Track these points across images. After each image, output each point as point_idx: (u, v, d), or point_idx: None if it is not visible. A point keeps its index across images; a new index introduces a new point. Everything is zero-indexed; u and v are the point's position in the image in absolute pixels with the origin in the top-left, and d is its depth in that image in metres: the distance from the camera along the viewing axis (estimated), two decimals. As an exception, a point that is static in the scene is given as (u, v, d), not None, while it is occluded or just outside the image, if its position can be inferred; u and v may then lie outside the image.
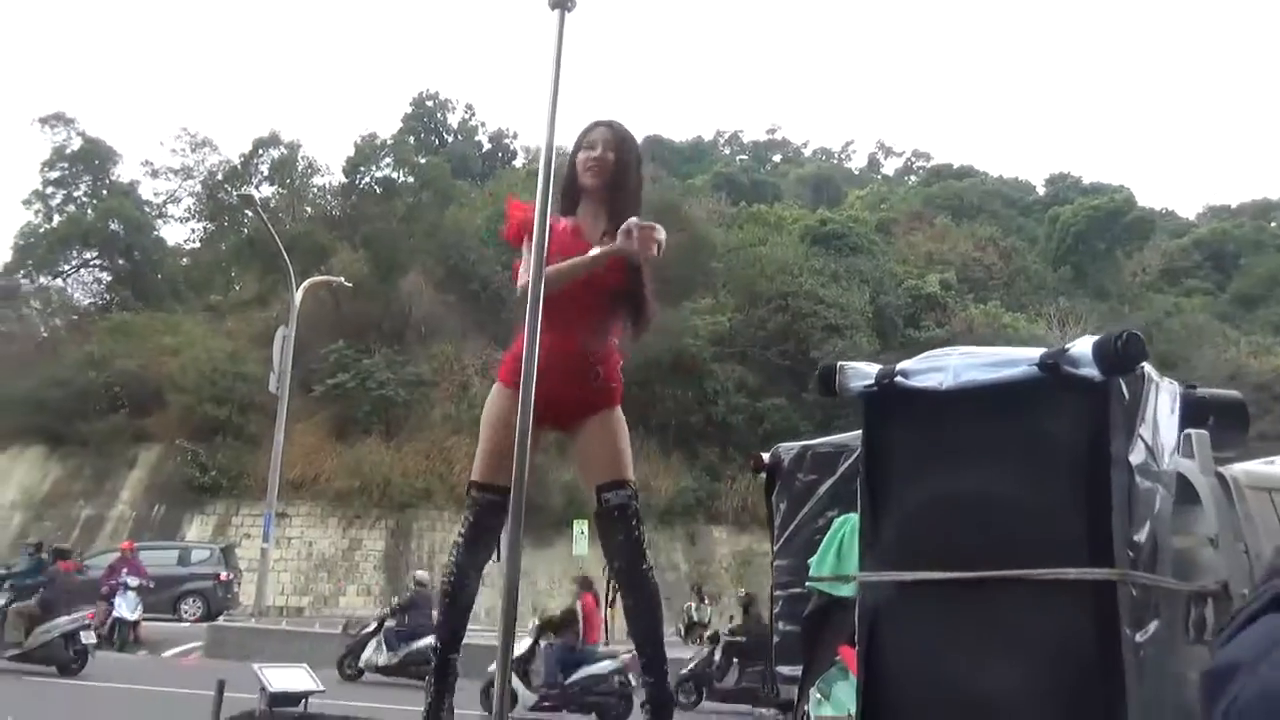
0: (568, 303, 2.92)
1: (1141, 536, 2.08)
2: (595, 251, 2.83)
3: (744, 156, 67.53)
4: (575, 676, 8.92)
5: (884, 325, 34.87)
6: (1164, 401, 2.29)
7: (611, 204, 3.08)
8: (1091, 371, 2.05)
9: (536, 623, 9.88)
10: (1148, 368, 2.17)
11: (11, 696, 9.02)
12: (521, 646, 9.13)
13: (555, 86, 3.45)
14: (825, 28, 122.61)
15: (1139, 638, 2.02)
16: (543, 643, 9.38)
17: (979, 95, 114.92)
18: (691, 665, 11.18)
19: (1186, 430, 2.50)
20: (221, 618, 18.15)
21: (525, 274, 2.84)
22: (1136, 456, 2.10)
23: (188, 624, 18.12)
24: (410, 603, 12.04)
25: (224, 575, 20.09)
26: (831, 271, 35.76)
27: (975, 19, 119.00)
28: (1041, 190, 60.62)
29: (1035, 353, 2.20)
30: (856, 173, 71.60)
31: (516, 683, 8.96)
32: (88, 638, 11.00)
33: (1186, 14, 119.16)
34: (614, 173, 3.07)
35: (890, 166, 75.31)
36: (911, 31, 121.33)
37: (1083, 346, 2.08)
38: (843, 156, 75.03)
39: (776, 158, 70.62)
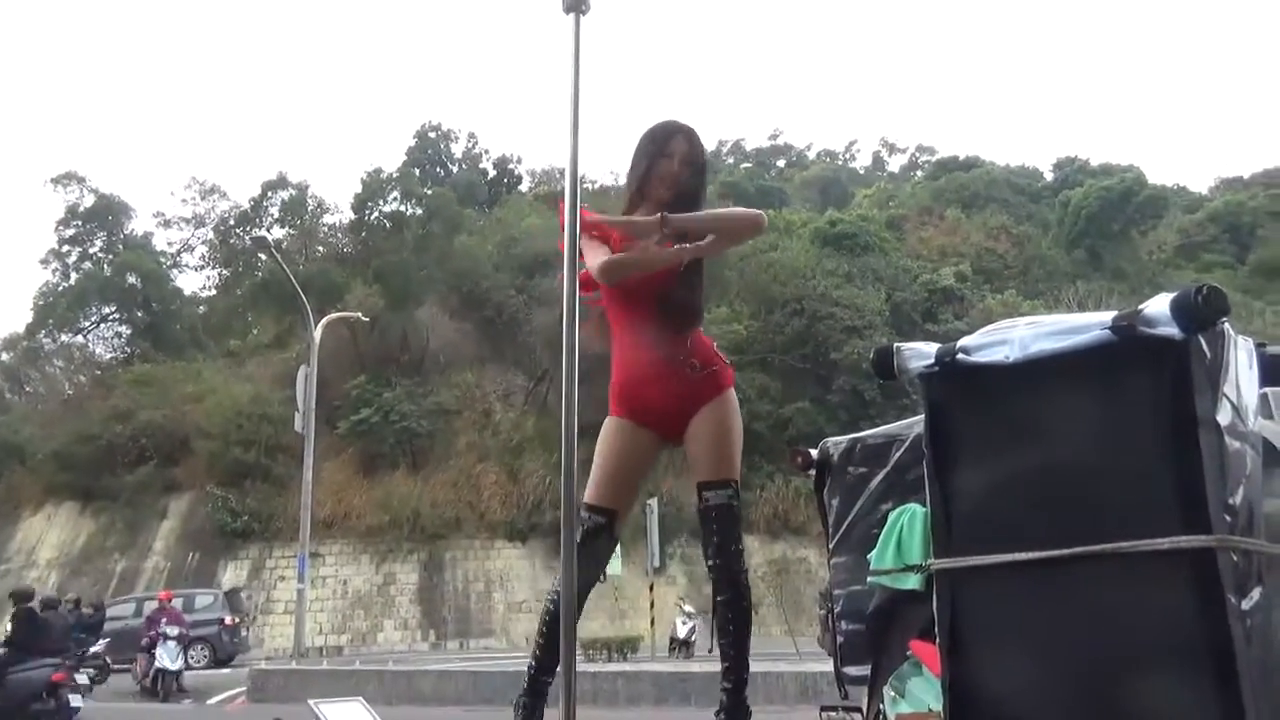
0: (634, 316, 2.90)
1: (1237, 500, 1.98)
2: (678, 248, 2.78)
3: (748, 164, 67.60)
4: None
5: (901, 322, 34.68)
6: (1242, 359, 2.19)
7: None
8: (1170, 330, 1.96)
9: None
10: (1226, 324, 2.08)
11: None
12: None
13: (575, 93, 3.40)
14: (821, 30, 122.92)
15: (1244, 605, 1.92)
16: None
17: (980, 86, 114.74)
18: None
19: (1263, 389, 2.40)
20: (263, 661, 18.08)
21: (598, 264, 2.84)
22: (1224, 416, 1.99)
23: (205, 670, 18.08)
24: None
25: (229, 620, 19.99)
26: (845, 272, 35.67)
27: (969, 8, 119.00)
28: (1050, 176, 60.32)
29: (1105, 316, 2.10)
30: (862, 172, 71.51)
31: None
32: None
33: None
34: (689, 191, 3.02)
35: (895, 163, 75.26)
36: (908, 26, 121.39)
37: (1159, 305, 1.98)
38: (847, 157, 75.03)
39: (780, 163, 70.66)
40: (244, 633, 20.92)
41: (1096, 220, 44.92)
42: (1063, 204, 47.92)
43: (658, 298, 2.91)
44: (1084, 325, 2.13)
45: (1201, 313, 1.93)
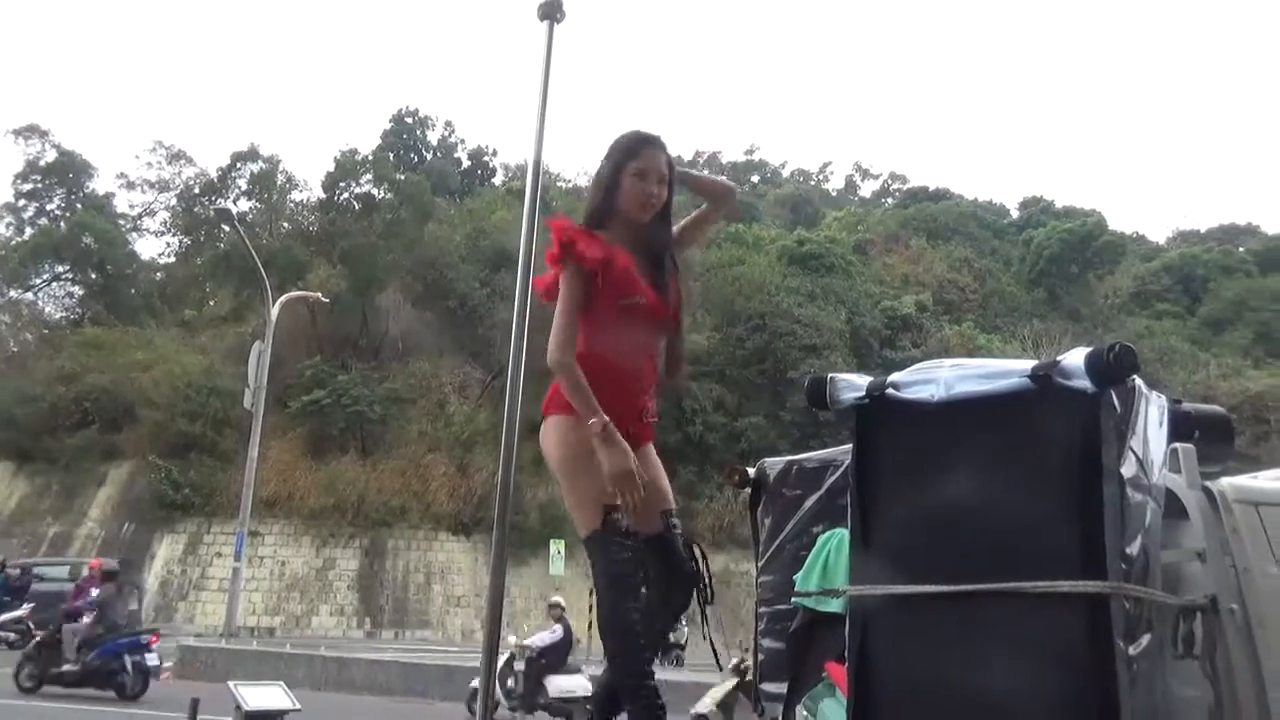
0: (637, 344, 2.76)
1: (1134, 549, 2.08)
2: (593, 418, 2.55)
3: (722, 177, 67.79)
4: None
5: (860, 345, 35.06)
6: (1153, 415, 2.30)
7: (650, 243, 2.83)
8: (1083, 383, 2.05)
9: None
10: (1138, 381, 2.18)
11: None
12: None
13: (544, 98, 3.45)
14: (804, 50, 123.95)
15: (1132, 651, 2.01)
16: None
17: (955, 119, 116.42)
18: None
19: (1173, 445, 2.51)
20: (191, 638, 17.78)
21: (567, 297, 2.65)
22: (1128, 469, 2.09)
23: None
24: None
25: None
26: (808, 291, 35.99)
27: (952, 45, 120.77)
28: (1015, 213, 61.32)
29: (1027, 364, 2.19)
30: (834, 194, 72.16)
31: None
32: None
33: (1156, 42, 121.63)
34: (664, 212, 2.86)
35: (867, 189, 76.01)
36: (889, 56, 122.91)
37: (1075, 358, 2.08)
38: (820, 178, 75.65)
39: (755, 178, 71.01)
40: (134, 606, 20.54)
41: (1057, 261, 45.79)
42: (1025, 242, 48.78)
43: (664, 345, 2.84)
44: (1006, 371, 2.22)
45: (1112, 369, 2.03)
